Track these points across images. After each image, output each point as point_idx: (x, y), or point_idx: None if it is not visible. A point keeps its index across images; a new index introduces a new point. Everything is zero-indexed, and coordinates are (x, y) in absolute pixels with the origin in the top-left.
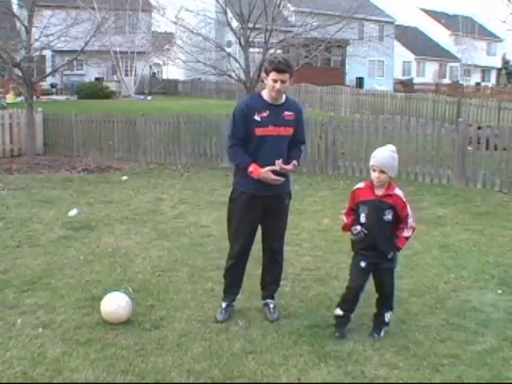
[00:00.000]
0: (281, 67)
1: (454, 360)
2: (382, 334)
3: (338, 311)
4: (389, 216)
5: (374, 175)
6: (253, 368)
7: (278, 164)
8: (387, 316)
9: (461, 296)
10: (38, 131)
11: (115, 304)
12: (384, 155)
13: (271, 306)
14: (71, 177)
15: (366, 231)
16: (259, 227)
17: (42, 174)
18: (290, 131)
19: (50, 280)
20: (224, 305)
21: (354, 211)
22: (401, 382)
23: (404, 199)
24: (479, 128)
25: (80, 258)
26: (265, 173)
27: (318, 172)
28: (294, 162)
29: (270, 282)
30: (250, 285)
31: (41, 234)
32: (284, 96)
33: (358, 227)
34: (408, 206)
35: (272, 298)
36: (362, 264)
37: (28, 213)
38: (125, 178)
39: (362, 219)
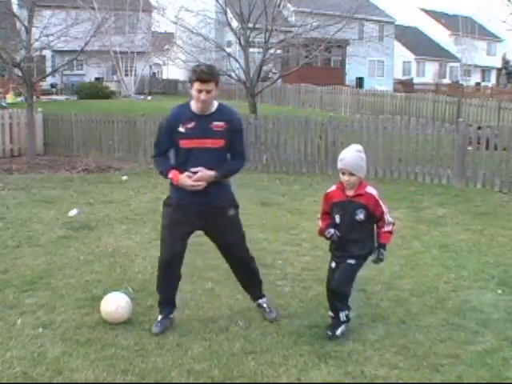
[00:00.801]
0: (204, 77)
1: (454, 360)
2: (339, 332)
3: (330, 312)
4: (361, 215)
5: (344, 178)
6: (253, 368)
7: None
8: (342, 315)
9: (461, 296)
10: (38, 131)
11: (115, 304)
12: (351, 157)
13: (264, 305)
14: (71, 177)
15: (338, 234)
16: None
17: (42, 174)
18: (219, 143)
19: (50, 280)
20: (159, 317)
21: (328, 214)
22: (401, 382)
23: (377, 197)
24: (479, 128)
25: (80, 258)
26: (182, 179)
27: (317, 172)
28: (211, 173)
29: (249, 285)
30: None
31: (41, 234)
32: (216, 105)
33: (332, 230)
34: (381, 203)
35: (260, 297)
36: (333, 265)
37: (28, 213)
38: (125, 177)
39: (337, 220)
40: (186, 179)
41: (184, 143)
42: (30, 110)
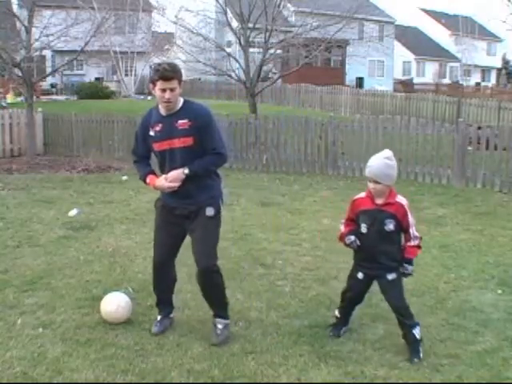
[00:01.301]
0: (167, 74)
1: (454, 360)
2: (422, 354)
3: (336, 313)
4: (390, 226)
5: (370, 186)
6: (253, 368)
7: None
8: (417, 333)
9: (461, 296)
10: (38, 131)
11: (115, 304)
12: (377, 165)
13: (219, 326)
14: (71, 177)
15: (358, 243)
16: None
17: (42, 174)
18: (187, 142)
19: (50, 280)
20: (159, 317)
21: (353, 221)
22: (401, 381)
23: (406, 207)
24: (479, 128)
25: (80, 258)
26: (158, 182)
27: (317, 172)
28: (180, 170)
29: (212, 304)
30: (249, 285)
31: (41, 234)
32: (181, 102)
33: (352, 237)
34: (409, 215)
35: (220, 316)
36: (359, 275)
37: (28, 213)
38: (125, 178)
39: (363, 229)
40: (161, 182)
41: (156, 146)
42: (30, 110)
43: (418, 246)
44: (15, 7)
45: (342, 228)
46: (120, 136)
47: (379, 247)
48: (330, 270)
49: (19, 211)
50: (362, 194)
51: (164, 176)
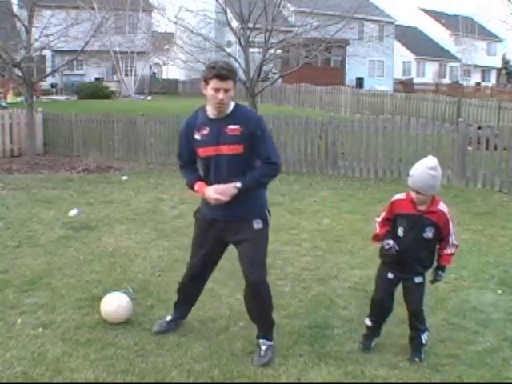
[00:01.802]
0: (223, 73)
1: (454, 360)
2: (423, 355)
3: (367, 321)
4: (429, 234)
5: (413, 195)
6: (253, 368)
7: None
8: (424, 338)
9: (461, 296)
10: (38, 131)
11: (115, 304)
12: (421, 177)
13: (262, 348)
14: (71, 177)
15: (397, 248)
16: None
17: (42, 174)
18: (237, 149)
19: (50, 280)
20: (168, 318)
21: (389, 222)
22: (401, 381)
23: (448, 215)
24: (479, 128)
25: (80, 258)
26: (208, 191)
27: (318, 172)
28: (233, 184)
29: (258, 321)
30: None
31: (41, 234)
32: (232, 106)
33: (391, 242)
34: (451, 223)
35: (265, 337)
36: (390, 275)
37: (28, 213)
38: (125, 177)
39: (400, 233)
40: (211, 192)
41: (201, 151)
42: (30, 110)
43: (453, 254)
44: (15, 7)
45: (378, 228)
46: (120, 136)
47: (413, 253)
48: (330, 269)
49: (19, 211)
50: (403, 196)
51: (214, 186)
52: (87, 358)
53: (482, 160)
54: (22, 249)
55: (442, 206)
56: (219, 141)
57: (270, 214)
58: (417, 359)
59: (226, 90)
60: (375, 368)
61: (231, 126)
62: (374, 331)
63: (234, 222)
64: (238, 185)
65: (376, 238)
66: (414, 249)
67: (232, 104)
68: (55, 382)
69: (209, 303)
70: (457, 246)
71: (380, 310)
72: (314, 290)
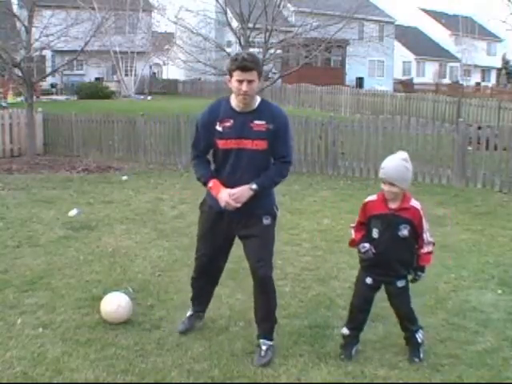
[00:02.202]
0: (247, 64)
1: (454, 360)
2: (422, 355)
3: (344, 330)
4: (404, 231)
5: (385, 188)
6: (253, 368)
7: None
8: (419, 336)
9: (461, 296)
10: (38, 131)
11: (115, 304)
12: (394, 167)
13: (263, 348)
14: (71, 177)
15: (374, 250)
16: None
17: (42, 174)
18: (260, 145)
19: (50, 280)
20: (188, 314)
21: (364, 225)
22: (401, 381)
23: (421, 212)
24: (479, 128)
25: (80, 258)
26: (223, 194)
27: (318, 172)
28: (248, 186)
29: (261, 319)
30: (249, 285)
31: (41, 234)
32: (258, 100)
33: (367, 245)
34: (424, 220)
35: (265, 337)
36: (368, 280)
37: (28, 213)
38: (125, 177)
39: (375, 234)
40: (225, 196)
41: (221, 143)
42: (30, 110)
43: (431, 253)
44: (15, 7)
45: (353, 233)
46: (120, 136)
47: (392, 254)
48: (329, 269)
49: (19, 211)
50: (374, 197)
51: (229, 191)
52: (87, 358)
53: (481, 160)
54: (21, 249)
55: (415, 203)
56: (242, 135)
57: (277, 210)
58: (416, 359)
59: (250, 82)
60: (375, 368)
61: (257, 122)
62: (352, 339)
63: (243, 216)
64: (254, 186)
65: (352, 243)
66: (392, 249)
67: (258, 99)
68: (55, 382)
69: (209, 303)
70: (433, 243)
71: (358, 316)
72: (313, 290)
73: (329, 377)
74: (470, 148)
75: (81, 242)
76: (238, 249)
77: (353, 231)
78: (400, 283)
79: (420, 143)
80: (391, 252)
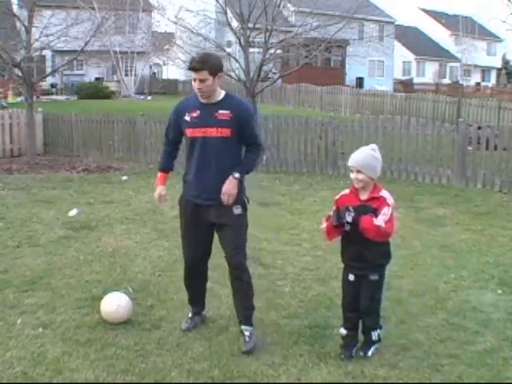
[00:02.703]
0: (194, 65)
1: (454, 360)
2: (370, 353)
3: (342, 330)
4: None
5: (352, 176)
6: (253, 368)
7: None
8: (374, 335)
9: (461, 296)
10: (38, 131)
11: (115, 304)
12: (360, 154)
13: (246, 333)
14: (71, 177)
15: (349, 219)
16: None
17: (42, 174)
18: (225, 132)
19: (50, 280)
20: (190, 314)
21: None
22: (401, 382)
23: (389, 201)
24: (479, 128)
25: (80, 258)
26: (157, 189)
27: (318, 172)
28: (232, 179)
29: (239, 306)
30: None
31: (41, 234)
32: (222, 94)
33: (334, 211)
34: (388, 208)
35: (246, 323)
36: (350, 277)
37: (28, 213)
38: (125, 177)
39: (347, 227)
40: (156, 193)
41: (189, 132)
42: (30, 110)
43: (378, 228)
44: (15, 7)
45: (324, 222)
46: (120, 136)
47: (364, 244)
48: (329, 269)
49: (19, 211)
50: (346, 191)
51: (159, 193)
52: (87, 357)
53: (482, 160)
54: (21, 249)
55: (384, 193)
56: (208, 123)
57: (248, 201)
58: (362, 353)
59: (202, 80)
60: (375, 368)
61: (221, 111)
62: (351, 339)
63: (215, 206)
64: (237, 175)
65: (328, 231)
66: (364, 239)
67: (222, 92)
68: (55, 382)
69: (209, 303)
70: (380, 229)
71: (350, 315)
72: (314, 290)
73: (329, 377)
74: (469, 148)
75: (81, 242)
76: None
77: (323, 221)
78: (373, 276)
79: (420, 143)
80: (364, 242)
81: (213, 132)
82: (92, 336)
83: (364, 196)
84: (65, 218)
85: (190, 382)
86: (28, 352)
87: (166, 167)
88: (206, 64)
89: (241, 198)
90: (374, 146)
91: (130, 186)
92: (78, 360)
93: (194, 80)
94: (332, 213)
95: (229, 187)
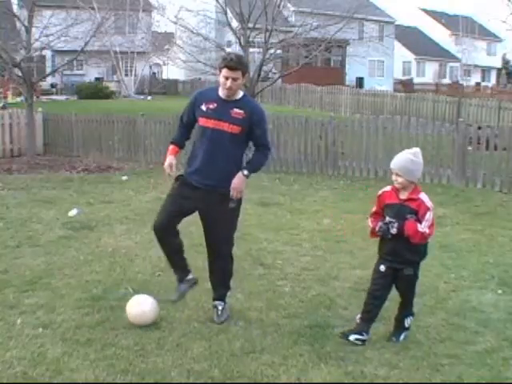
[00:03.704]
0: (232, 64)
1: (454, 360)
2: (402, 338)
3: (358, 317)
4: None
5: (393, 178)
6: (253, 368)
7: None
8: (407, 321)
9: (461, 296)
10: (38, 131)
11: (148, 305)
12: (400, 158)
13: (219, 307)
14: (71, 177)
15: (394, 231)
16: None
17: (42, 174)
18: (236, 129)
19: (50, 280)
20: (176, 284)
21: (379, 215)
22: (401, 382)
23: (428, 204)
24: (479, 128)
25: (80, 258)
26: (168, 158)
27: (318, 172)
28: (240, 175)
29: (216, 284)
30: (249, 285)
31: (41, 234)
32: (241, 94)
33: (380, 223)
34: (429, 213)
35: (221, 299)
36: (382, 268)
37: (28, 213)
38: (125, 177)
39: (394, 233)
40: (167, 163)
41: (202, 121)
42: (30, 110)
43: (422, 234)
44: (15, 7)
45: (370, 223)
46: (120, 136)
47: (400, 241)
48: (329, 269)
49: (19, 211)
50: (388, 188)
51: (170, 162)
52: (87, 357)
53: (481, 160)
54: (21, 249)
55: (423, 196)
56: (222, 117)
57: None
58: (394, 339)
59: (234, 79)
60: (375, 368)
61: (236, 110)
62: (359, 326)
63: (214, 192)
64: (246, 172)
65: (372, 232)
66: (401, 237)
67: (241, 93)
68: (55, 382)
69: (209, 303)
70: (424, 235)
71: (371, 301)
72: (314, 290)
73: (329, 377)
74: (470, 148)
75: (81, 242)
76: (236, 249)
77: (369, 221)
78: (407, 271)
79: (420, 143)
80: (400, 240)
81: (224, 126)
82: (92, 336)
83: (403, 196)
84: (65, 218)
85: (190, 382)
86: (28, 352)
87: (179, 142)
88: (242, 65)
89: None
90: (415, 149)
91: (129, 186)
92: (77, 360)
93: (226, 78)
94: (376, 208)
95: (238, 183)
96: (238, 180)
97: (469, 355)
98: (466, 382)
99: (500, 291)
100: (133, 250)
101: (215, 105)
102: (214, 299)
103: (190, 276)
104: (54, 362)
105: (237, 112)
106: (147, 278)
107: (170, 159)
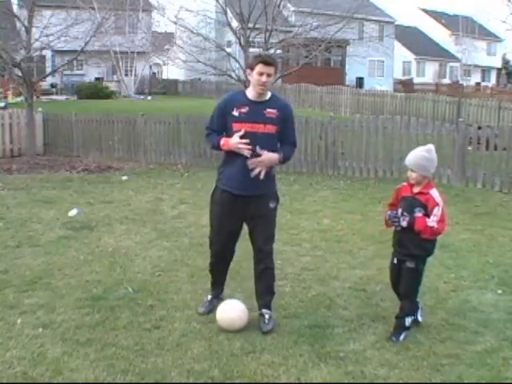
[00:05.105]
0: (268, 60)
1: (454, 360)
2: (402, 338)
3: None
4: (419, 214)
5: (408, 173)
6: (253, 368)
7: (258, 152)
8: (407, 321)
9: (461, 296)
10: (38, 131)
11: (239, 311)
12: (414, 155)
13: (266, 316)
14: (71, 177)
15: (404, 224)
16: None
17: (42, 174)
18: (271, 129)
19: (50, 280)
20: (209, 298)
21: (395, 207)
22: (401, 382)
23: (437, 200)
24: (479, 128)
25: (80, 258)
26: (231, 140)
27: (318, 172)
28: (275, 155)
29: (263, 292)
30: (250, 286)
31: (41, 234)
32: (269, 93)
33: (389, 212)
34: (438, 208)
35: (267, 307)
36: (394, 260)
37: (28, 213)
38: (125, 177)
39: (399, 214)
40: (234, 139)
41: (237, 126)
42: (30, 110)
43: (431, 229)
44: (15, 7)
45: (388, 212)
46: (120, 136)
47: (407, 233)
48: (329, 269)
49: (19, 211)
50: (406, 183)
51: (238, 134)
52: (87, 357)
53: (481, 160)
54: (21, 249)
55: (434, 191)
56: (257, 119)
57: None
58: (394, 339)
59: (269, 75)
60: (375, 368)
61: (269, 110)
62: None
63: (255, 198)
64: (281, 155)
65: (386, 222)
66: (407, 229)
67: (269, 93)
68: (55, 382)
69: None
70: (433, 230)
71: (396, 294)
72: (314, 290)
73: (329, 377)
74: (469, 148)
75: (81, 242)
76: (238, 248)
77: (388, 208)
78: (409, 264)
79: (420, 143)
80: (407, 232)
81: (260, 128)
82: (92, 336)
83: (416, 189)
84: (65, 218)
85: (190, 382)
86: (28, 352)
87: (222, 135)
88: (275, 61)
89: (276, 193)
90: (430, 146)
91: (129, 186)
92: (77, 360)
93: (261, 73)
94: (392, 200)
95: (268, 157)
96: (270, 155)
97: (469, 355)
98: (466, 382)
99: (500, 291)
100: (133, 249)
101: (247, 108)
102: (261, 307)
103: (222, 295)
104: (53, 362)
105: (270, 112)
106: (147, 278)
107: (232, 139)
